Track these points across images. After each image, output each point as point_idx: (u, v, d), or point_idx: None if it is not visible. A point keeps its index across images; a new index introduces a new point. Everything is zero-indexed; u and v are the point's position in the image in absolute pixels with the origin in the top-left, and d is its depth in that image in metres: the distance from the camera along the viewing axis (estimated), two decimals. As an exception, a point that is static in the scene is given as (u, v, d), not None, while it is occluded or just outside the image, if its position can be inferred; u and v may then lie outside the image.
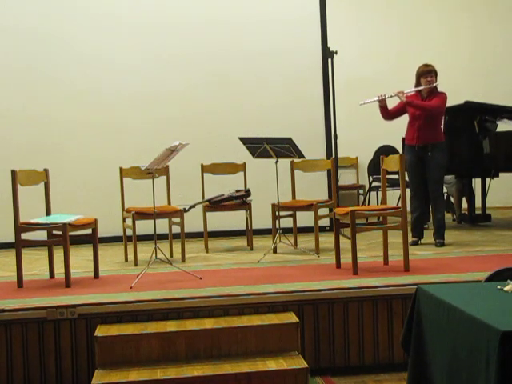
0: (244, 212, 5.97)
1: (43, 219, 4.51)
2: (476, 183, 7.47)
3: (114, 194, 5.83)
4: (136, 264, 5.20)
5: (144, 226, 5.41)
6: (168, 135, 6.05)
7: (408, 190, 5.69)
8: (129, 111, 6.92)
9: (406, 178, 5.26)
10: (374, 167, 8.31)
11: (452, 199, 8.13)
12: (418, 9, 9.27)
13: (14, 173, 4.32)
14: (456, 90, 6.61)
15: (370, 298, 3.96)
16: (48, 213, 4.72)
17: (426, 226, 6.47)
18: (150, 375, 3.38)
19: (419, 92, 5.80)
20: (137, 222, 5.28)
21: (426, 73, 5.71)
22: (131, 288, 4.14)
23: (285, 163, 5.73)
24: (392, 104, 5.89)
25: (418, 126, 5.73)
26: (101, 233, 4.76)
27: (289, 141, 5.38)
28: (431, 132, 5.72)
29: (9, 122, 6.75)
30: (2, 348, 3.68)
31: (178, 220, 5.50)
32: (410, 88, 5.82)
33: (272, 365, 3.48)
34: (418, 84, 5.79)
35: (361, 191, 8.96)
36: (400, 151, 6.82)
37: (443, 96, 5.74)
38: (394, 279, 4.18)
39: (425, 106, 5.71)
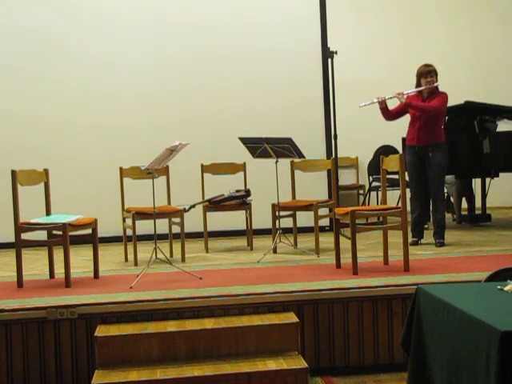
0: (244, 212, 5.97)
1: (43, 219, 4.51)
2: (476, 183, 7.47)
3: (114, 194, 5.82)
4: (136, 264, 5.20)
5: (144, 226, 5.41)
6: (168, 135, 6.04)
7: (408, 190, 5.69)
8: (129, 111, 6.93)
9: (406, 178, 5.26)
10: (374, 167, 8.31)
11: (452, 199, 8.13)
12: (418, 9, 9.28)
13: (14, 173, 4.32)
14: (456, 90, 6.60)
15: (369, 298, 3.96)
16: (48, 213, 4.72)
17: (425, 226, 6.46)
18: (150, 375, 3.37)
19: (420, 92, 5.79)
20: (137, 222, 5.28)
21: (426, 73, 5.70)
22: (131, 288, 4.14)
23: (285, 163, 5.73)
24: (394, 104, 5.88)
25: (419, 126, 5.72)
26: (101, 233, 4.76)
27: (289, 141, 5.38)
28: (432, 132, 5.70)
29: (9, 122, 6.75)
30: (2, 348, 3.68)
31: (178, 220, 5.50)
32: (410, 88, 5.82)
33: (272, 365, 3.48)
34: (418, 84, 5.77)
35: (361, 191, 8.96)
36: (400, 151, 6.82)
37: (444, 96, 5.72)
38: (394, 279, 4.18)
39: (424, 107, 5.69)
